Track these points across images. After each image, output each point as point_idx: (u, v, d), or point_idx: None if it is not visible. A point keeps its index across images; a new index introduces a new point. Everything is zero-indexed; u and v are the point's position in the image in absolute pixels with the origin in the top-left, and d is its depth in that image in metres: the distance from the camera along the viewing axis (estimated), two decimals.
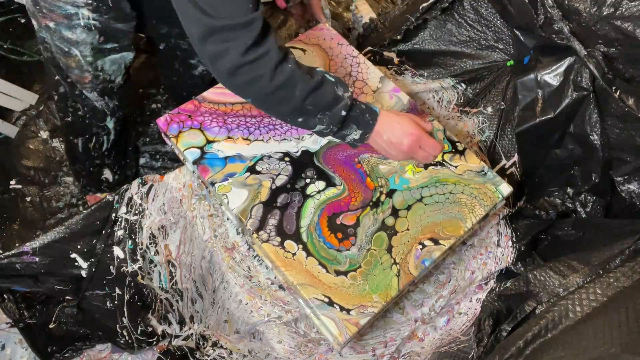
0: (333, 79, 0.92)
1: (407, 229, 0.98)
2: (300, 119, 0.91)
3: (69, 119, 1.33)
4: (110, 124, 1.37)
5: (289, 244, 0.96)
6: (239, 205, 1.00)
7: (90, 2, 1.03)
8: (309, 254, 0.95)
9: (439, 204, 1.01)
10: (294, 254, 0.95)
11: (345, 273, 0.93)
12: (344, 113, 0.91)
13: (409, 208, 1.00)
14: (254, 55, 0.80)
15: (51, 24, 1.08)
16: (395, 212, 1.00)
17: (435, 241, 0.97)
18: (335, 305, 0.90)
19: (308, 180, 1.03)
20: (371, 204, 1.01)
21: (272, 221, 0.98)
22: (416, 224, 0.99)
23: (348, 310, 0.89)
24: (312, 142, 1.08)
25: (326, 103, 0.89)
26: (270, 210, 0.99)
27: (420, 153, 0.99)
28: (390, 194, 1.02)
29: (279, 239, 0.96)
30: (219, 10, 0.78)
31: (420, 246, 0.96)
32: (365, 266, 0.94)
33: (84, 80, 1.20)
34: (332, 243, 0.96)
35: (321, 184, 1.03)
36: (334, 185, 1.03)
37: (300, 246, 0.96)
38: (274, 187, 1.02)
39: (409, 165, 1.05)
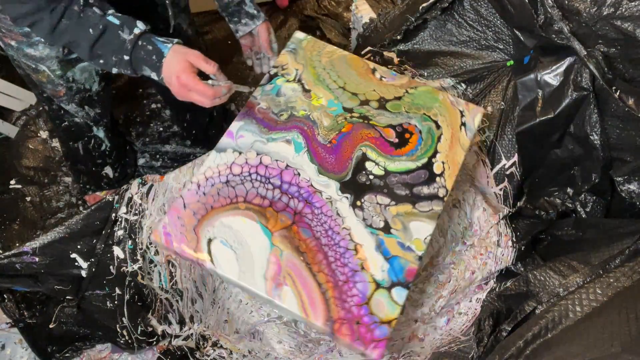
0: (118, 22, 0.94)
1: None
2: (101, 62, 0.97)
3: (61, 128, 1.33)
4: (99, 133, 1.37)
5: None
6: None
7: None
8: None
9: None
10: None
11: None
12: (127, 57, 0.95)
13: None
14: (28, 22, 0.92)
15: (13, 43, 1.08)
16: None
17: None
18: None
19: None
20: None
21: None
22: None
23: None
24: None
25: (112, 49, 0.94)
26: None
27: (192, 96, 0.96)
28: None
29: None
30: None
31: None
32: None
33: (59, 94, 1.20)
34: None
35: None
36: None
37: None
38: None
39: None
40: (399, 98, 1.13)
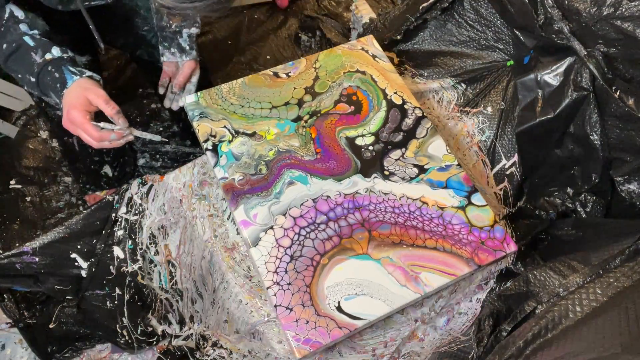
0: (33, 44, 0.94)
1: None
2: (19, 76, 0.98)
3: (53, 122, 1.33)
4: None
5: None
6: None
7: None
8: None
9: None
10: None
11: None
12: (32, 79, 0.95)
13: None
14: None
15: None
16: None
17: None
18: None
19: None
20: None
21: None
22: None
23: None
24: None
25: (24, 68, 0.95)
26: None
27: (80, 134, 0.95)
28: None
29: None
30: None
31: None
32: None
33: None
34: None
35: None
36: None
37: None
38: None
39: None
40: (317, 77, 1.17)
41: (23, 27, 0.95)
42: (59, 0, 1.05)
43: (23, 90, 1.75)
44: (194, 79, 1.22)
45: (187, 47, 1.18)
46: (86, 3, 1.09)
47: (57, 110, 1.27)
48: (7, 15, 0.94)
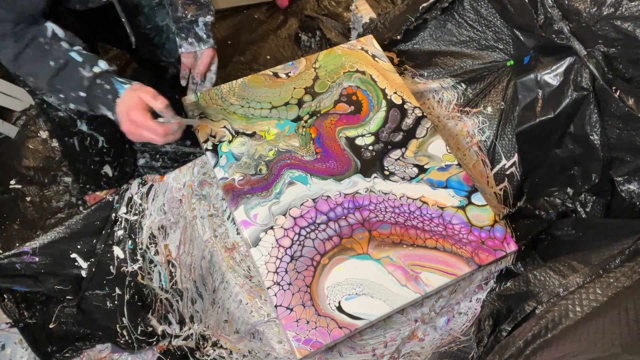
0: (81, 59, 0.95)
1: None
2: (61, 96, 0.98)
3: (54, 123, 1.33)
4: (83, 127, 1.36)
5: None
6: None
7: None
8: None
9: None
10: None
11: None
12: (83, 94, 0.95)
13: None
14: None
15: None
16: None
17: None
18: None
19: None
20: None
21: None
22: None
23: None
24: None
25: (71, 85, 0.95)
26: None
27: (143, 134, 0.95)
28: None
29: None
30: None
31: None
32: None
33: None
34: None
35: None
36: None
37: None
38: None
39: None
40: (317, 77, 1.18)
41: (65, 44, 0.96)
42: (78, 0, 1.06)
43: (23, 90, 1.75)
44: (214, 67, 1.23)
45: (205, 36, 1.19)
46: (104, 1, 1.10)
47: (59, 111, 1.27)
48: (50, 33, 0.95)
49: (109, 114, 0.97)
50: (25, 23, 0.93)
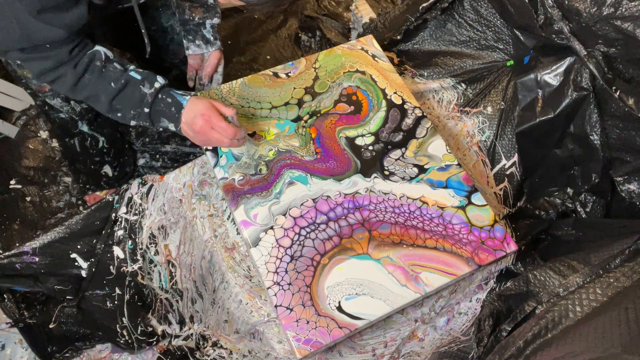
0: (140, 77, 0.98)
1: None
2: (119, 115, 1.01)
3: (55, 124, 1.33)
4: (84, 127, 1.36)
5: None
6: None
7: None
8: None
9: None
10: None
11: None
12: (147, 110, 0.99)
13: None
14: (51, 78, 0.96)
15: None
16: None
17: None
18: None
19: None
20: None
21: None
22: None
23: None
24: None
25: (132, 103, 0.99)
26: None
27: (213, 134, 0.98)
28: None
29: None
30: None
31: None
32: None
33: (44, 89, 1.19)
34: None
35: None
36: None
37: None
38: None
39: None
40: (317, 77, 1.18)
41: (118, 65, 0.99)
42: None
43: (23, 90, 1.74)
44: (220, 69, 1.24)
45: (212, 38, 1.20)
46: (119, 7, 1.12)
47: (60, 112, 1.27)
48: (103, 57, 0.98)
49: (171, 125, 1.01)
50: (79, 47, 0.95)
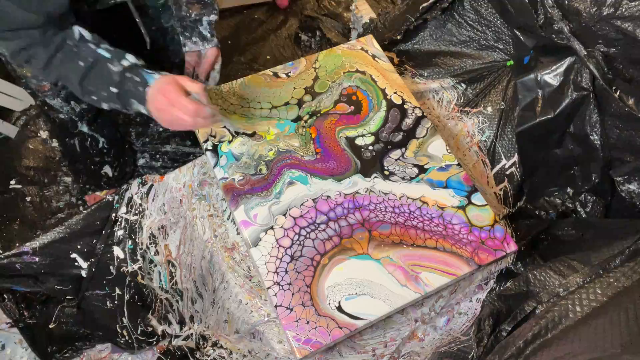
0: (109, 55, 0.93)
1: None
2: (93, 98, 0.96)
3: (54, 124, 1.33)
4: (83, 128, 1.35)
5: None
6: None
7: None
8: None
9: None
10: None
11: None
12: (114, 90, 0.93)
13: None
14: (24, 58, 0.93)
15: None
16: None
17: None
18: None
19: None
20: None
21: None
22: None
23: None
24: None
25: (101, 82, 0.94)
26: None
27: (174, 112, 0.91)
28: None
29: None
30: None
31: None
32: None
33: (44, 88, 1.19)
34: None
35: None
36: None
37: None
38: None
39: None
40: (317, 77, 1.17)
41: (92, 45, 0.95)
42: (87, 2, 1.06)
43: (23, 90, 1.75)
44: (217, 66, 1.23)
45: (209, 35, 1.18)
46: (112, 2, 1.11)
47: (60, 113, 1.27)
48: (77, 36, 0.95)
49: (141, 107, 0.95)
50: (54, 29, 0.93)
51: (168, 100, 0.91)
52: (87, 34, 0.96)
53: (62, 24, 0.94)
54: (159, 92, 0.91)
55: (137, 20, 1.12)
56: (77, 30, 0.95)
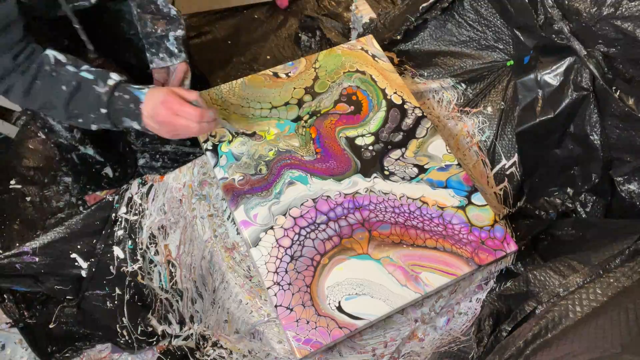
0: (92, 77, 0.92)
1: None
2: (80, 121, 0.95)
3: (53, 143, 1.32)
4: (89, 151, 1.35)
5: None
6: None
7: None
8: None
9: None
10: None
11: None
12: (104, 111, 0.93)
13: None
14: (2, 89, 0.92)
15: None
16: None
17: None
18: None
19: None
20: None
21: None
22: None
23: None
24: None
25: (88, 105, 0.92)
26: None
27: (179, 121, 0.92)
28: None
29: None
30: None
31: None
32: None
33: None
34: None
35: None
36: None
37: None
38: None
39: None
40: (317, 77, 1.17)
41: (70, 67, 0.93)
42: (45, 7, 1.03)
43: None
44: (187, 82, 1.20)
45: (176, 50, 1.16)
46: (71, 5, 1.08)
47: (60, 138, 1.27)
48: (52, 60, 0.93)
49: (134, 124, 0.95)
50: (24, 52, 0.91)
51: (172, 111, 0.91)
52: (62, 57, 0.94)
53: (23, 37, 0.92)
54: (160, 105, 0.91)
55: (76, 26, 1.09)
56: (52, 54, 0.93)
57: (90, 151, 1.35)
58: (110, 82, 0.93)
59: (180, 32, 1.15)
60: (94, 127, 0.96)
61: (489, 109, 1.29)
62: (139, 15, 1.13)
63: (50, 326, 1.14)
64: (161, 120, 0.92)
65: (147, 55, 1.17)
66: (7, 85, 0.91)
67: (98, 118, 0.94)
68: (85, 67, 0.94)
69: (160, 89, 0.93)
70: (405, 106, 1.14)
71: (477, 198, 1.04)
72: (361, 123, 1.12)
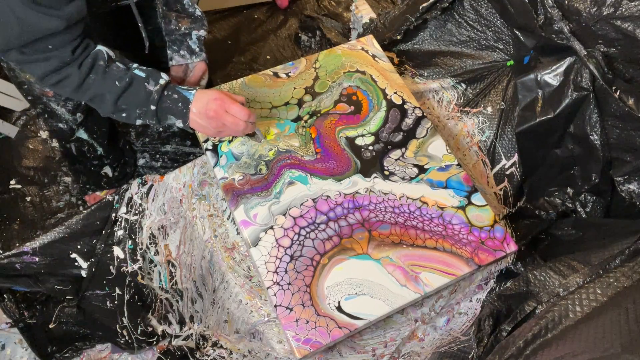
0: (144, 75, 0.97)
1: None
2: (123, 115, 1.00)
3: (52, 130, 1.32)
4: (81, 135, 1.35)
5: None
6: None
7: None
8: None
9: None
10: None
11: None
12: (153, 108, 0.98)
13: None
14: (55, 80, 0.94)
15: None
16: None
17: None
18: None
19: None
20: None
21: None
22: None
23: None
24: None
25: (138, 101, 0.97)
26: None
27: (227, 118, 0.98)
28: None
29: None
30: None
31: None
32: None
33: (48, 94, 1.18)
34: None
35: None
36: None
37: None
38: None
39: None
40: (317, 77, 1.17)
41: (120, 64, 0.98)
42: (101, 1, 1.07)
43: None
44: (203, 82, 1.22)
45: (197, 49, 1.18)
46: (113, 4, 1.12)
47: (60, 122, 1.27)
48: (106, 56, 0.97)
49: (178, 122, 1.00)
50: (80, 46, 0.94)
51: (223, 108, 0.97)
52: (112, 54, 0.99)
53: (82, 32, 0.95)
54: (213, 101, 0.97)
55: (139, 24, 1.11)
56: (104, 49, 0.97)
57: (83, 135, 1.34)
58: (162, 82, 0.98)
59: (203, 32, 1.18)
60: (138, 122, 1.01)
61: (489, 109, 1.29)
62: (163, 12, 1.16)
63: (50, 326, 1.14)
64: (212, 116, 0.98)
65: (168, 52, 1.19)
66: (62, 76, 0.94)
67: (144, 114, 0.99)
68: (134, 65, 0.99)
69: (210, 90, 0.99)
70: (406, 106, 1.14)
71: (477, 198, 1.04)
72: (361, 123, 1.12)
